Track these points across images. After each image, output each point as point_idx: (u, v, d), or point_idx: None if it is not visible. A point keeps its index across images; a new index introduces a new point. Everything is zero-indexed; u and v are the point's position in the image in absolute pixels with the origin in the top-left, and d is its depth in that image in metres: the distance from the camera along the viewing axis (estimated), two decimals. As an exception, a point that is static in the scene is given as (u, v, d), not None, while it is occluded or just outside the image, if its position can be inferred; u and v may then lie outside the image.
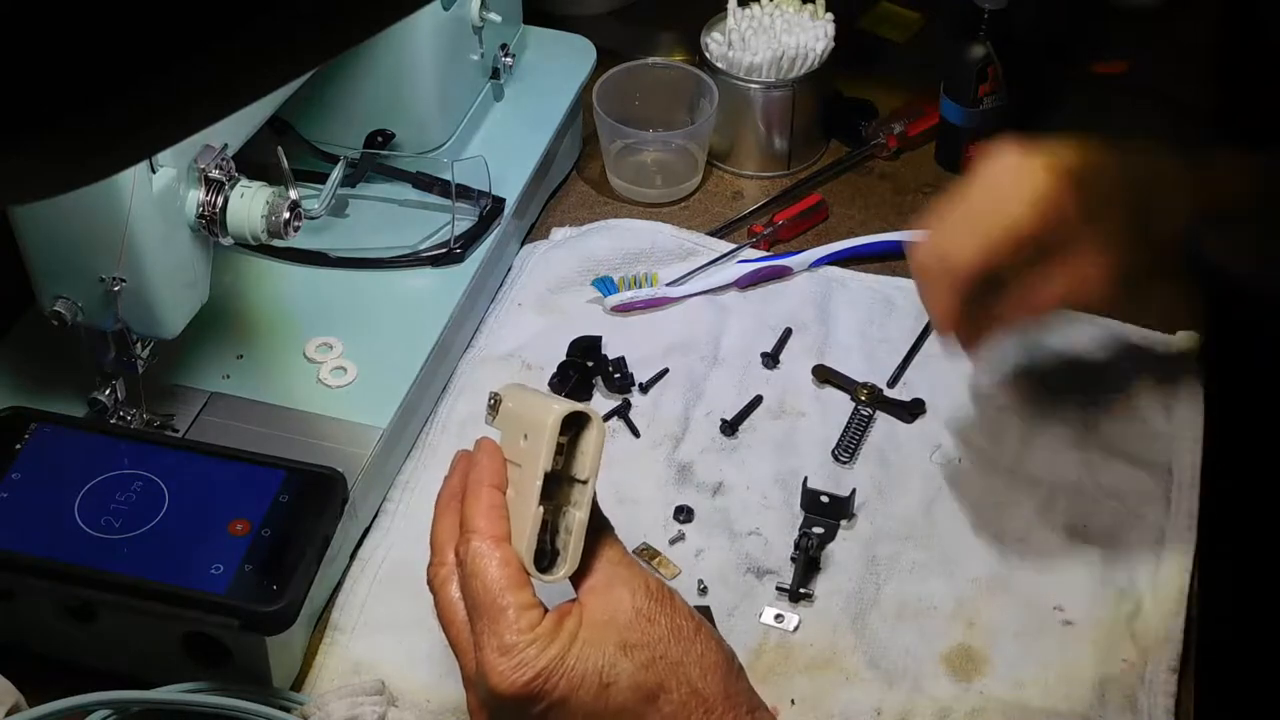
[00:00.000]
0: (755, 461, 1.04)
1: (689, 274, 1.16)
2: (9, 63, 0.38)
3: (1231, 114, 1.29)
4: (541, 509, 0.75)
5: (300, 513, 0.90)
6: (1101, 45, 1.36)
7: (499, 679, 0.72)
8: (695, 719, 0.73)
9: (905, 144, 1.27)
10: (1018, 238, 0.88)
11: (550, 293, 1.15)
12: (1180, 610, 0.95)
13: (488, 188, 1.12)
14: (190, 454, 0.93)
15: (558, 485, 0.77)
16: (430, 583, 0.78)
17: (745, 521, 1.00)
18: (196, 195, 0.91)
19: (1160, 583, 0.96)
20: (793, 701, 0.91)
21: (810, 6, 1.25)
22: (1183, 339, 1.11)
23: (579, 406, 0.76)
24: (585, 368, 1.08)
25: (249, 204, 0.92)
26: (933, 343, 1.11)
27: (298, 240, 0.97)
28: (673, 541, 0.99)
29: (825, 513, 0.99)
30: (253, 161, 0.96)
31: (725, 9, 1.24)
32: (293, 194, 0.94)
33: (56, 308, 0.91)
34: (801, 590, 0.96)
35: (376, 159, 1.13)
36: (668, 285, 1.15)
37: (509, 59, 1.20)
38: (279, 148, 0.96)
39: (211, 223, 0.92)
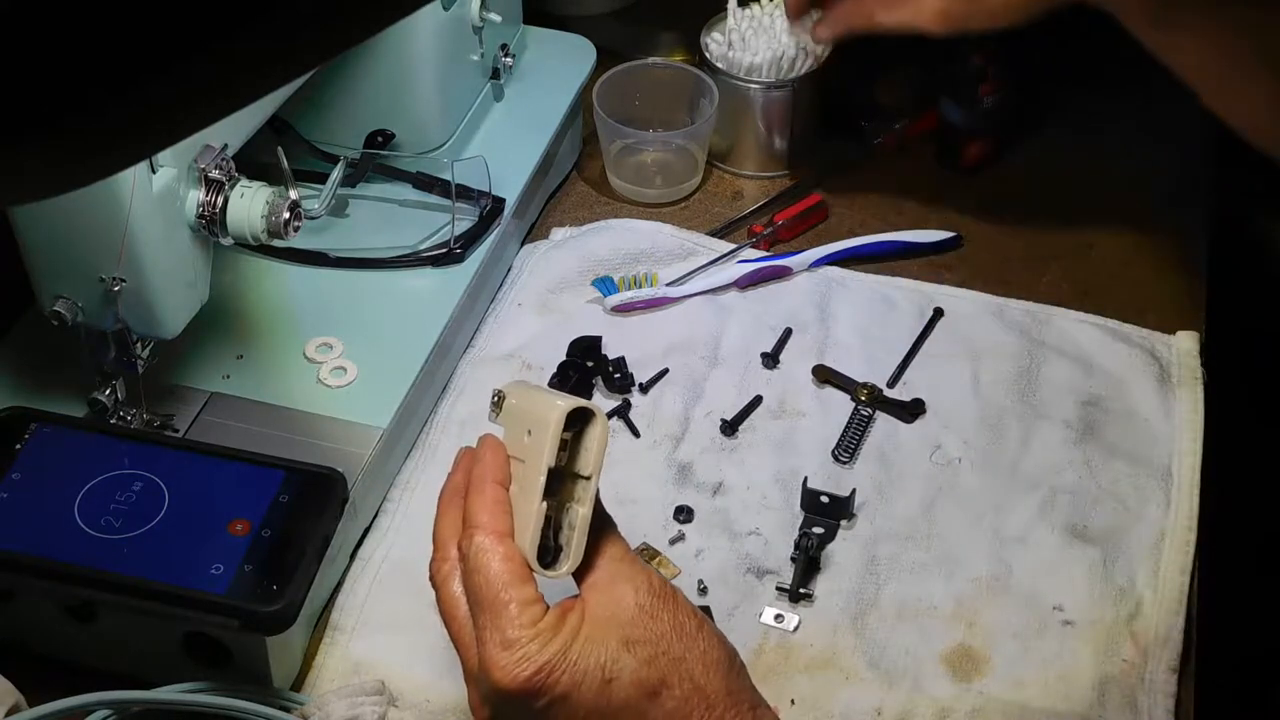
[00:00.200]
0: (755, 461, 1.04)
1: (689, 274, 1.16)
2: (9, 63, 0.38)
3: None
4: (545, 505, 0.75)
5: (300, 513, 0.90)
6: None
7: (501, 674, 0.72)
8: (697, 715, 0.73)
9: (905, 144, 1.27)
10: None
11: (550, 293, 1.15)
12: (1180, 610, 0.95)
13: (488, 188, 1.12)
14: (190, 454, 0.93)
15: (561, 481, 0.77)
16: (432, 578, 0.78)
17: (745, 521, 1.00)
18: (196, 195, 0.91)
19: (1160, 583, 0.96)
20: (793, 701, 0.91)
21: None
22: (1183, 339, 1.11)
23: (583, 402, 0.76)
24: (585, 368, 1.08)
25: (249, 204, 0.92)
26: (933, 343, 1.11)
27: (298, 240, 0.97)
28: (673, 541, 0.99)
29: (825, 513, 0.99)
30: (253, 161, 0.96)
31: (725, 9, 1.23)
32: (293, 194, 0.94)
33: (56, 308, 0.91)
34: (801, 590, 0.96)
35: (376, 159, 1.13)
36: (668, 285, 1.15)
37: (509, 59, 1.20)
38: (279, 148, 0.96)
39: (211, 223, 0.92)
